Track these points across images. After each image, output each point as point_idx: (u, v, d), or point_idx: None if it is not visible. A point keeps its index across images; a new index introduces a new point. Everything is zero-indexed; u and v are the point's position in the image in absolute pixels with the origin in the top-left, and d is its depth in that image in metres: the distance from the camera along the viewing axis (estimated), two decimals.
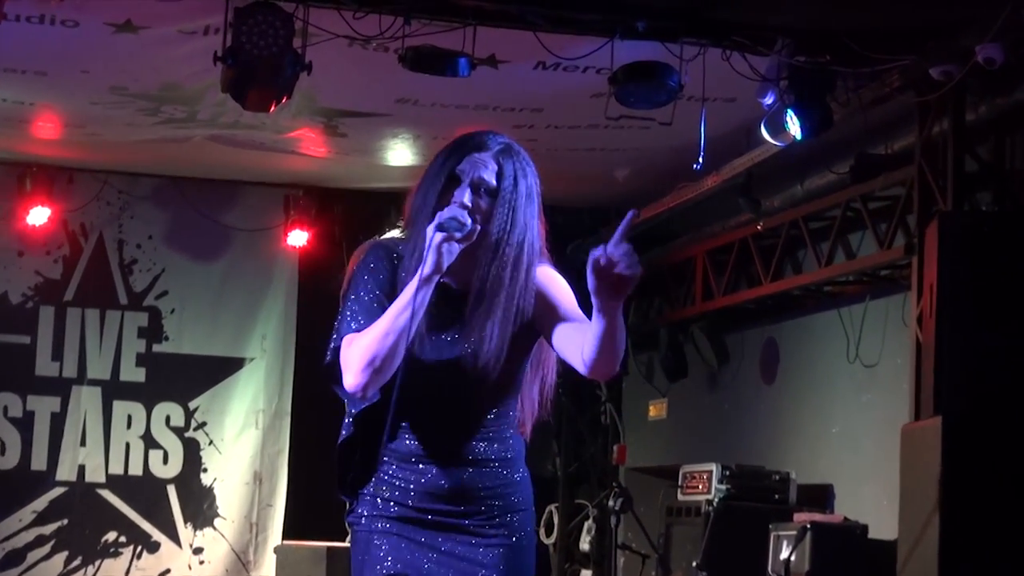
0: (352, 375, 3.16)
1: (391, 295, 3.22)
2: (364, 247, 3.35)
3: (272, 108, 6.35)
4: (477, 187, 3.24)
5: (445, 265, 3.15)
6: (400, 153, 8.99)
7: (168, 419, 10.34)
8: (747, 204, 8.51)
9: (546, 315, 3.28)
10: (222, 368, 10.45)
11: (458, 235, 3.15)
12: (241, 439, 10.41)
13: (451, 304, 3.29)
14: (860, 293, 8.40)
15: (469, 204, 3.21)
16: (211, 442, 10.38)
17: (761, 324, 9.57)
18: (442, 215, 3.16)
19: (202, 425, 10.38)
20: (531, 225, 3.28)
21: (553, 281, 3.33)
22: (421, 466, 3.27)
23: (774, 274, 8.90)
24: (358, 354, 3.15)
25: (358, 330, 3.20)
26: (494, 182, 3.25)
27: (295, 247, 10.36)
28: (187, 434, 10.36)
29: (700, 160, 6.95)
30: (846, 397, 8.53)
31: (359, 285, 3.27)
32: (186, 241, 10.38)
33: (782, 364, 9.34)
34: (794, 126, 6.65)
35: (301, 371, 10.41)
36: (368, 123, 8.22)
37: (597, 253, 2.88)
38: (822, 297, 8.84)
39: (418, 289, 3.12)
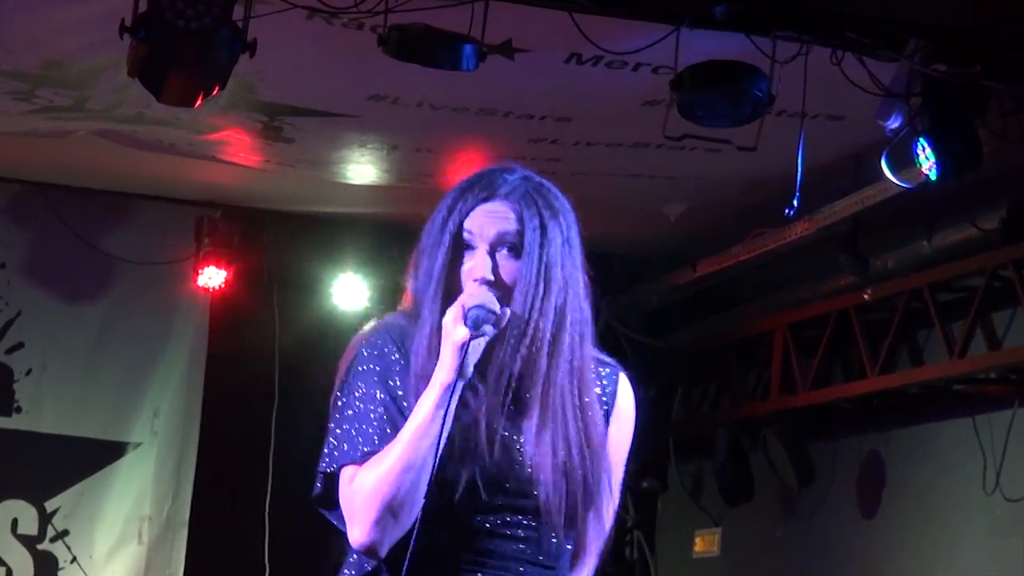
0: (361, 529, 3.20)
1: (407, 403, 3.26)
2: (363, 332, 3.39)
3: (199, 101, 6.38)
4: (495, 248, 3.31)
5: (471, 368, 3.21)
6: (364, 168, 9.01)
7: (15, 524, 10.32)
8: (850, 263, 8.54)
9: None
10: (95, 456, 10.42)
11: (490, 328, 3.22)
12: (117, 557, 10.38)
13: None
14: (1006, 397, 8.44)
15: (492, 276, 3.27)
16: (74, 559, 10.35)
17: (862, 432, 9.58)
18: (468, 305, 3.22)
19: (63, 535, 10.35)
20: (573, 283, 3.33)
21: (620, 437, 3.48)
22: None
23: (884, 364, 8.91)
24: (367, 499, 3.19)
25: (362, 460, 3.23)
26: (515, 235, 3.32)
27: (207, 289, 10.34)
28: (41, 546, 10.34)
29: (795, 202, 6.98)
30: (979, 540, 8.54)
31: (356, 389, 3.30)
32: (54, 273, 10.38)
33: (889, 489, 9.34)
34: (927, 161, 6.67)
35: (206, 464, 10.39)
36: (326, 125, 8.25)
37: None
38: (951, 399, 8.86)
39: (438, 404, 3.17)
